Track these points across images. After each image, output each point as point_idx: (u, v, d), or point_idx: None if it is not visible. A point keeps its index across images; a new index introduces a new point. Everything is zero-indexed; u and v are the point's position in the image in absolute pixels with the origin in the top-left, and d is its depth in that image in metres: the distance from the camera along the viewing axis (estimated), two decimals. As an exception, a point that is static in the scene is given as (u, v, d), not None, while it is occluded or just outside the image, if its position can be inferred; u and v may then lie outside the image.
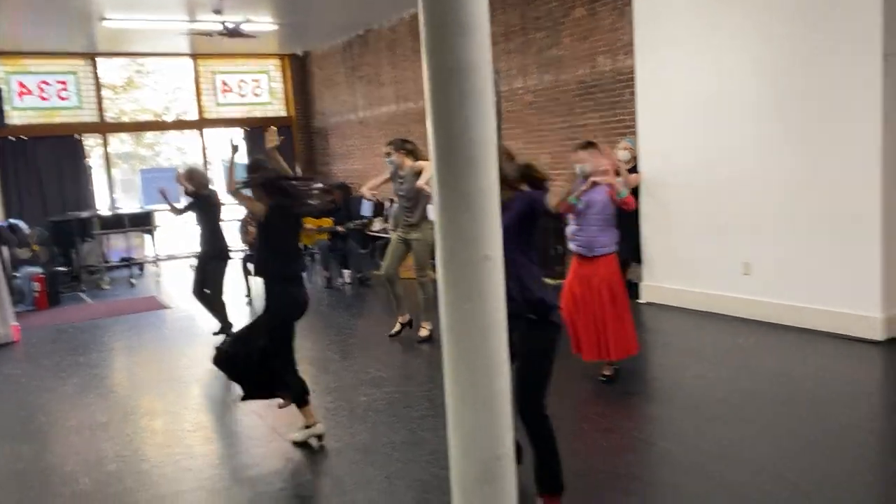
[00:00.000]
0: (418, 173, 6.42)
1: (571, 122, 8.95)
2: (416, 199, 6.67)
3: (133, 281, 11.57)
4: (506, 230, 2.45)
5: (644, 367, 5.79)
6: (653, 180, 7.42)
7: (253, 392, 4.62)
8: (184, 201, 7.35)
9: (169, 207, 7.48)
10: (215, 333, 7.14)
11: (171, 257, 13.86)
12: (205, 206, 7.01)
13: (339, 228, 10.20)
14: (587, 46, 8.57)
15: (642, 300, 7.65)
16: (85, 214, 11.95)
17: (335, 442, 4.53)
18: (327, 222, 10.17)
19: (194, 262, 7.28)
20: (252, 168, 5.33)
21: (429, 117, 2.31)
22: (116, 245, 12.97)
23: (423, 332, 6.73)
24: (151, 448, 4.72)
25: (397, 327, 6.92)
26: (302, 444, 4.46)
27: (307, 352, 6.87)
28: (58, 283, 10.38)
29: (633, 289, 7.76)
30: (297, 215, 4.51)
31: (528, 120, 9.67)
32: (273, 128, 5.00)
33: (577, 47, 8.72)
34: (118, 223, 12.23)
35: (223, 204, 7.30)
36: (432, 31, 2.24)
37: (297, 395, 4.49)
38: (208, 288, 7.08)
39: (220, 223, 7.17)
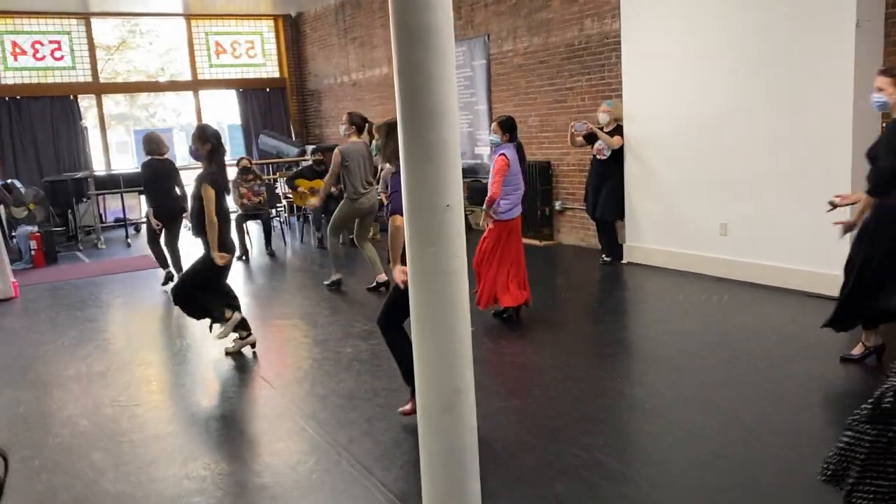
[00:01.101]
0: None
1: (560, 84, 9.06)
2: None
3: (129, 241, 11.74)
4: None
5: (621, 324, 6.02)
6: (637, 142, 7.58)
7: (217, 317, 5.49)
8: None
9: None
10: (164, 283, 7.99)
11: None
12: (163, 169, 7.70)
13: (332, 190, 10.35)
14: (575, 10, 8.66)
15: (625, 261, 7.86)
16: (80, 175, 12.07)
17: (321, 389, 4.77)
18: (319, 184, 10.31)
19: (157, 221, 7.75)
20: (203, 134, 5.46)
21: (396, 74, 2.49)
22: (112, 205, 13.12)
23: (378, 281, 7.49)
24: (146, 394, 4.96)
25: (374, 284, 7.51)
26: (237, 353, 5.52)
27: (298, 307, 7.11)
28: (54, 242, 10.55)
29: (617, 250, 8.00)
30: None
31: (518, 83, 9.77)
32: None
33: (565, 10, 8.81)
34: (113, 184, 12.36)
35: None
36: (398, -6, 2.41)
37: (220, 315, 5.45)
38: (174, 241, 7.89)
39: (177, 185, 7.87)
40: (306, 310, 6.94)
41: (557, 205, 9.35)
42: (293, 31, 15.25)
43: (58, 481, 3.68)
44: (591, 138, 7.75)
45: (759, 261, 6.55)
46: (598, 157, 7.76)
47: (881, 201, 4.32)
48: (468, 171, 11.00)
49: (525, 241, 9.56)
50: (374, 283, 7.52)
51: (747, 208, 6.61)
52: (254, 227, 11.06)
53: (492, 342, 5.58)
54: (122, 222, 12.48)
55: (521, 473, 3.49)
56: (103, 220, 13.01)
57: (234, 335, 5.54)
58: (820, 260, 6.10)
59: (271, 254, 9.95)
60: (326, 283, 7.81)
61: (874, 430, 2.41)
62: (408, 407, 4.00)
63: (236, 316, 5.52)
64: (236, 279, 8.72)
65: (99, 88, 13.87)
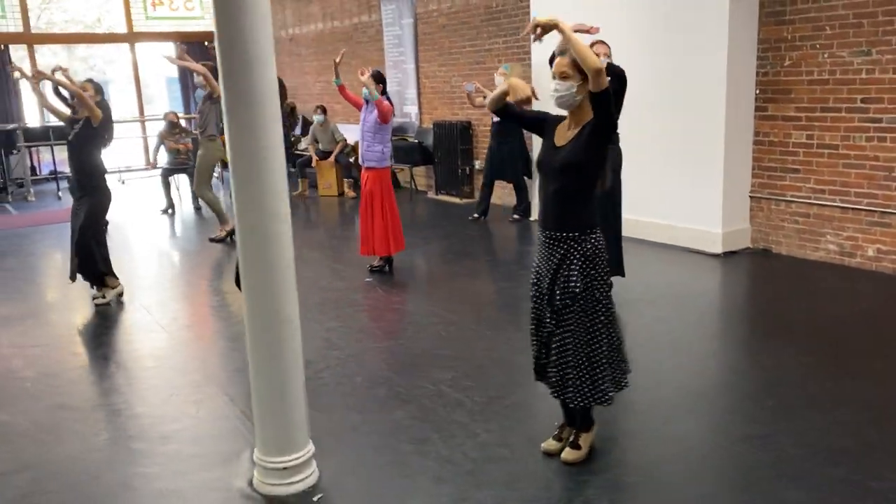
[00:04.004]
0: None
1: (479, 45, 9.31)
2: (205, 115, 7.82)
3: (59, 195, 11.77)
4: None
5: (511, 278, 6.41)
6: (542, 106, 7.88)
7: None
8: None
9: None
10: None
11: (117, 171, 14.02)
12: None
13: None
14: (493, -28, 8.87)
15: (533, 217, 8.24)
16: (10, 127, 12.00)
17: (207, 331, 5.08)
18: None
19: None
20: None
21: (215, 25, 2.75)
22: (47, 158, 13.06)
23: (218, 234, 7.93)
24: (44, 337, 5.20)
25: (221, 234, 7.94)
26: (108, 304, 5.75)
27: (208, 258, 7.36)
28: (-20, 194, 10.57)
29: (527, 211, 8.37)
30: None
31: (441, 42, 9.99)
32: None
33: (484, -28, 9.02)
34: (45, 137, 12.31)
35: None
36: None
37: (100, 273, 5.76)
38: None
39: None
40: (217, 259, 7.21)
41: (477, 164, 9.66)
42: (232, -15, 15.14)
43: (-57, 411, 3.94)
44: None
45: (646, 218, 6.95)
46: (494, 119, 8.08)
47: None
48: (397, 130, 11.23)
49: (445, 198, 9.94)
50: (222, 234, 7.84)
51: (635, 167, 6.97)
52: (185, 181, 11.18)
53: (383, 291, 5.93)
54: (54, 175, 12.45)
55: (370, 403, 3.86)
56: (37, 172, 12.99)
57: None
58: (697, 217, 6.53)
59: (198, 207, 10.12)
60: (212, 237, 7.96)
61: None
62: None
63: (120, 287, 5.89)
64: (158, 231, 8.93)
65: (30, 39, 13.69)
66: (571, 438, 3.21)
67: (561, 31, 2.81)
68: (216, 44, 2.75)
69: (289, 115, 4.25)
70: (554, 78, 2.95)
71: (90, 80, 5.81)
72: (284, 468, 3.02)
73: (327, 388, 4.11)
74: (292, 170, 11.47)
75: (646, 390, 3.86)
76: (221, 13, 2.71)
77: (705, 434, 3.43)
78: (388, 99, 6.21)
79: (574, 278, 2.95)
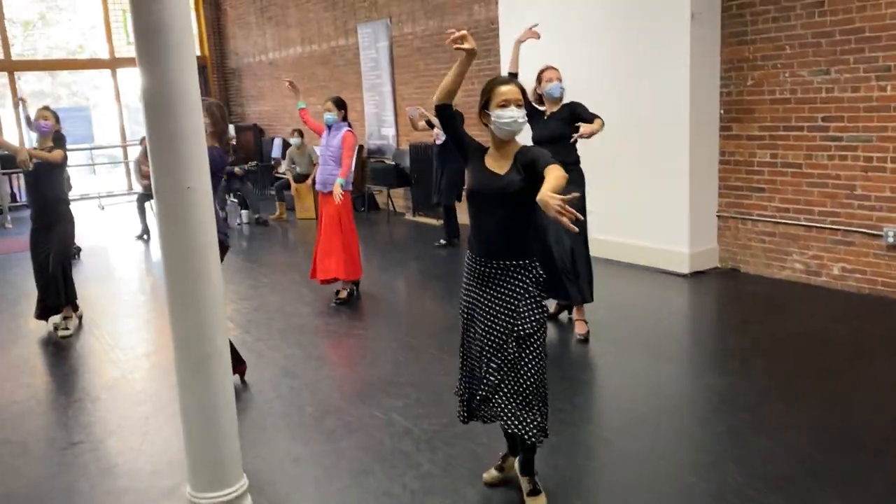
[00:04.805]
0: None
1: (451, 67, 9.31)
2: None
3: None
4: None
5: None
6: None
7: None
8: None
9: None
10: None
11: (83, 197, 14.00)
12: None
13: (236, 170, 10.50)
14: (465, -5, 8.92)
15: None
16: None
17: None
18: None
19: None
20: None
21: (139, 70, 2.73)
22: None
23: None
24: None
25: None
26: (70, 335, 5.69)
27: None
28: (-46, 221, 10.52)
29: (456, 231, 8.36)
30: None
31: (416, 65, 10.02)
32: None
33: (456, -5, 9.07)
34: (24, 162, 12.25)
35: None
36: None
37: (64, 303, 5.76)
38: None
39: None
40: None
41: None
42: (213, 10, 15.23)
43: None
44: (430, 123, 8.04)
45: (615, 238, 6.93)
46: (436, 141, 8.10)
47: None
48: (374, 152, 11.27)
49: (423, 219, 9.93)
50: None
51: (605, 188, 6.97)
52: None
53: (347, 316, 5.89)
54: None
55: (316, 434, 3.81)
56: (16, 199, 12.96)
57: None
58: (664, 238, 6.52)
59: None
60: None
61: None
62: None
63: (79, 312, 5.98)
64: (131, 257, 8.88)
65: (11, 66, 13.70)
66: (529, 487, 3.04)
67: (545, 206, 2.46)
68: (140, 89, 2.73)
69: (226, 145, 4.21)
70: (507, 105, 2.89)
71: (47, 108, 5.80)
72: (216, 504, 2.95)
73: (275, 418, 4.05)
74: (272, 193, 11.46)
75: (591, 417, 3.82)
76: (144, 60, 2.69)
77: (650, 461, 3.38)
78: (349, 125, 6.17)
79: (535, 306, 2.89)
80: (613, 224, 6.97)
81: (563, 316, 5.43)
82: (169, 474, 3.44)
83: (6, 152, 12.31)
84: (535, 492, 3.03)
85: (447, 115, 3.05)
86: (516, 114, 2.85)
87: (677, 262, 6.44)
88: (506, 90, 2.88)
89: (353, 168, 6.17)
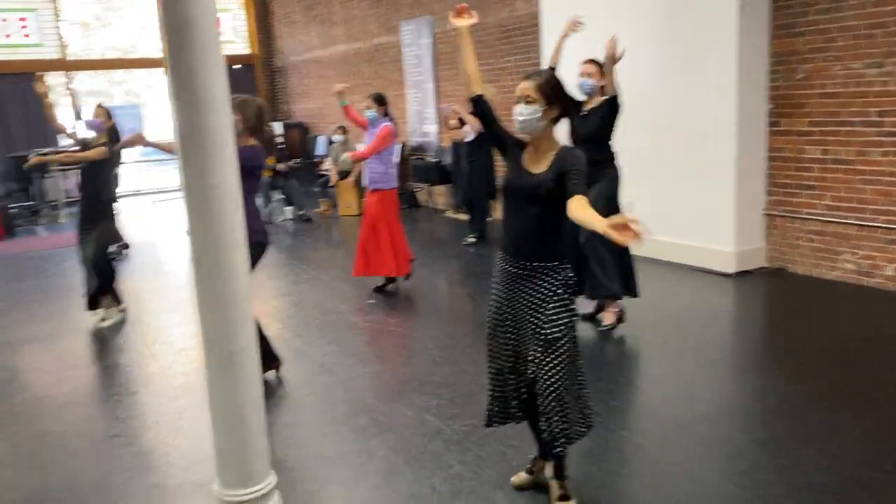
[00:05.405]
0: None
1: (493, 64, 9.26)
2: None
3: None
4: None
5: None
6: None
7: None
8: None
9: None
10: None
11: (136, 193, 14.35)
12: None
13: (280, 166, 10.60)
14: (507, -10, 8.83)
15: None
16: (44, 151, 12.32)
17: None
18: (269, 160, 10.54)
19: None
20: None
21: (168, 66, 2.74)
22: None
23: None
24: (42, 360, 5.27)
25: None
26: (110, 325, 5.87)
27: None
28: (11, 217, 10.86)
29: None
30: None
31: (459, 62, 9.95)
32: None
33: (498, -10, 8.98)
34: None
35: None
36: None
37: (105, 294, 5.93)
38: None
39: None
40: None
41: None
42: (262, 8, 15.41)
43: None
44: (462, 121, 8.02)
45: (658, 237, 6.77)
46: (465, 139, 8.09)
47: None
48: (416, 149, 11.26)
49: (464, 217, 9.86)
50: None
51: (648, 185, 6.82)
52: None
53: (384, 313, 5.88)
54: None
55: (348, 432, 3.79)
56: (69, 195, 13.31)
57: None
58: (709, 237, 6.35)
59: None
60: None
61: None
62: None
63: (124, 307, 6.08)
64: (180, 252, 9.03)
65: (66, 66, 14.09)
66: (560, 492, 2.98)
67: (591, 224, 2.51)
68: (170, 87, 2.74)
69: (268, 142, 4.21)
70: (518, 102, 2.85)
71: (100, 105, 5.93)
72: (243, 501, 2.95)
73: (308, 414, 4.06)
74: (316, 190, 11.54)
75: (627, 422, 3.73)
76: (171, 57, 2.70)
77: (686, 468, 3.27)
78: (392, 120, 6.19)
79: (563, 309, 2.83)
80: (656, 222, 6.75)
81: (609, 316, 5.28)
82: (201, 470, 3.46)
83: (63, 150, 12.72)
84: (564, 497, 2.96)
85: (481, 108, 3.00)
86: (523, 110, 2.81)
87: (722, 262, 6.26)
88: (518, 86, 2.85)
89: (394, 164, 6.17)
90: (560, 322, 2.79)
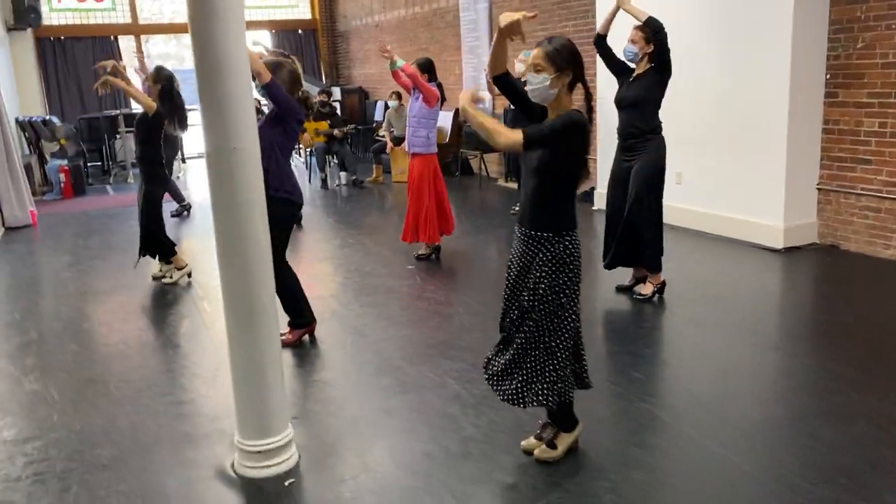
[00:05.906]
0: None
1: (550, 28, 9.10)
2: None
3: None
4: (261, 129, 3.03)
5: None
6: (599, 94, 7.64)
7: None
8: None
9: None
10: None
11: (200, 155, 14.77)
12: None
13: (335, 132, 10.74)
14: (564, -46, 8.65)
15: (595, 207, 8.04)
16: (113, 113, 12.80)
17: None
18: (323, 126, 10.71)
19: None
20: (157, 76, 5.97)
21: (191, 37, 2.84)
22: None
23: None
24: (98, 312, 5.56)
25: None
26: (174, 284, 6.10)
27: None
28: (83, 176, 11.35)
29: (588, 196, 8.19)
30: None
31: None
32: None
33: (555, -46, 8.80)
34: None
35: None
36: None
37: (169, 250, 6.11)
38: None
39: None
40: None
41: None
42: (325, -27, 15.52)
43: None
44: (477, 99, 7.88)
45: (706, 210, 6.64)
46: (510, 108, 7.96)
47: None
48: (471, 115, 11.20)
49: (514, 185, 9.83)
50: None
51: (697, 159, 6.67)
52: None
53: (421, 279, 5.97)
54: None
55: (372, 393, 3.91)
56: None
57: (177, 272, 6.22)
58: (757, 211, 6.18)
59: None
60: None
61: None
62: (287, 336, 4.45)
63: (187, 268, 6.19)
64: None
65: (138, 30, 14.53)
66: (549, 437, 3.13)
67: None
68: (195, 58, 2.83)
69: (302, 103, 4.27)
70: (528, 70, 2.85)
71: (157, 68, 6.09)
72: (260, 451, 3.11)
73: (335, 373, 4.20)
74: (369, 155, 11.66)
75: (647, 394, 3.72)
76: (194, 24, 2.79)
77: (700, 443, 3.26)
78: (439, 86, 6.20)
79: (543, 281, 2.87)
80: (703, 194, 6.68)
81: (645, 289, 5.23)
82: (228, 421, 3.63)
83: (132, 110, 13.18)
84: (550, 444, 3.11)
85: (505, 85, 2.99)
86: (532, 79, 2.83)
87: (770, 237, 6.10)
88: (531, 55, 2.86)
89: (435, 129, 6.20)
90: (537, 294, 2.88)
